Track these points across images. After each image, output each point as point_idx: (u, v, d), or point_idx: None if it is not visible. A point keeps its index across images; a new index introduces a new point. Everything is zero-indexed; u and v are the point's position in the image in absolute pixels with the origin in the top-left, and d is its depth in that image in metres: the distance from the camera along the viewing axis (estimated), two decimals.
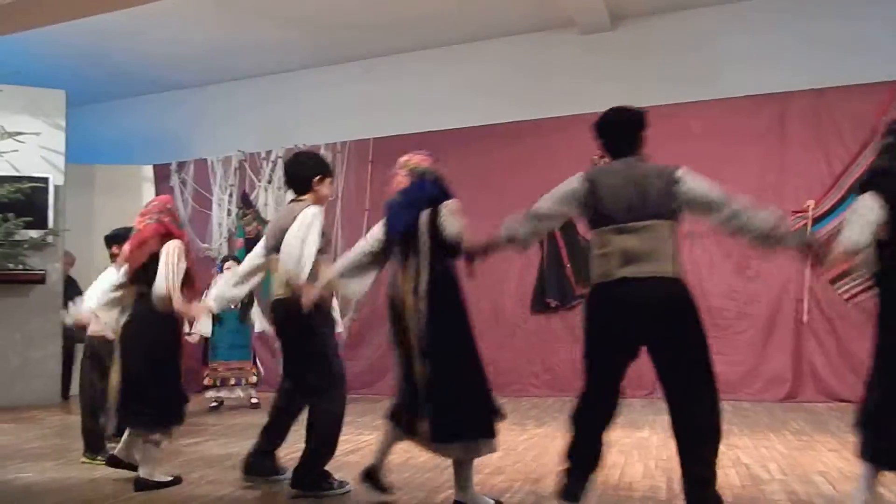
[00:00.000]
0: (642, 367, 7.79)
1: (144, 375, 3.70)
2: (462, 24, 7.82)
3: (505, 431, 5.18)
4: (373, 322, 8.01)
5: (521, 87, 7.91)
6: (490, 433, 3.12)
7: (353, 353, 8.08)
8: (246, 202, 8.78)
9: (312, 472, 3.47)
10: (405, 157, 3.51)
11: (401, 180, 3.42)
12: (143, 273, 3.74)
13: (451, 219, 3.18)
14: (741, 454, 4.30)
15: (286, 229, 3.44)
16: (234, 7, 7.23)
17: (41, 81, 7.72)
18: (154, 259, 3.71)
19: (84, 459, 4.39)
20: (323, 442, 3.48)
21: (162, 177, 9.17)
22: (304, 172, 3.68)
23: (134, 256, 3.79)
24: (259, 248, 3.79)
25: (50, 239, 7.50)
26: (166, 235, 3.79)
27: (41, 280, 7.43)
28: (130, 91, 9.41)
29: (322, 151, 8.47)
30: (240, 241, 8.66)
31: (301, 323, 3.43)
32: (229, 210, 8.82)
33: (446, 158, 7.94)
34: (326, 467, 3.52)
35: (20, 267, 7.22)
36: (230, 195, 8.85)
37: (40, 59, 7.72)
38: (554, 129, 7.50)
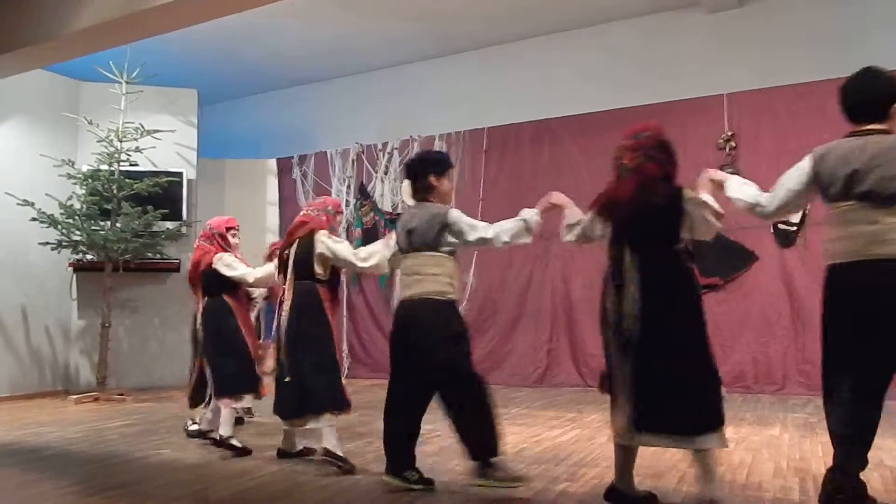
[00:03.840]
0: (773, 361, 7.44)
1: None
2: (580, 8, 7.64)
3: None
4: (486, 309, 8.03)
5: (645, 70, 7.62)
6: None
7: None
8: (363, 193, 9.00)
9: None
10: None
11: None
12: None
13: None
14: (884, 455, 3.97)
15: (425, 230, 3.43)
16: (354, 4, 7.40)
17: (176, 81, 8.23)
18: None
19: None
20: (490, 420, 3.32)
21: (284, 169, 9.54)
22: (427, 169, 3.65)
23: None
24: (390, 242, 3.76)
25: (184, 230, 7.98)
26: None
27: (177, 268, 7.88)
28: (256, 88, 9.85)
29: (437, 142, 8.56)
30: (357, 231, 8.90)
31: (452, 322, 3.38)
32: (347, 201, 9.06)
33: (566, 147, 7.96)
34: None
35: (158, 256, 7.72)
36: (348, 186, 9.09)
37: (175, 61, 8.20)
38: (680, 113, 7.20)
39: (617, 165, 3.06)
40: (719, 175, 3.26)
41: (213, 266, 4.54)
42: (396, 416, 3.46)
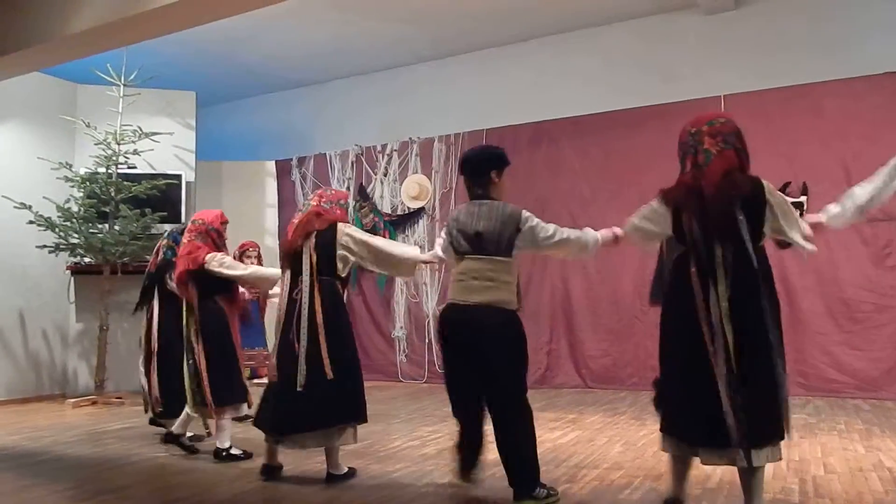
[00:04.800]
0: None
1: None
2: (577, 10, 7.63)
3: (624, 426, 5.07)
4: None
5: (642, 72, 7.62)
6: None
7: None
8: (363, 195, 8.99)
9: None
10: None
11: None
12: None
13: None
14: (883, 457, 3.97)
15: (498, 230, 3.21)
16: (352, 5, 7.38)
17: (173, 84, 8.21)
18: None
19: None
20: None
21: (283, 172, 9.52)
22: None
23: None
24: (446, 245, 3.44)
25: None
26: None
27: None
28: (254, 90, 9.84)
29: (436, 144, 8.57)
30: None
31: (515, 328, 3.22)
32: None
33: (563, 149, 7.96)
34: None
35: None
36: (347, 188, 9.07)
37: (173, 63, 8.18)
38: (677, 114, 7.16)
39: (692, 152, 2.80)
40: (812, 219, 2.94)
41: (207, 266, 4.21)
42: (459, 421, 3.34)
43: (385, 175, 8.94)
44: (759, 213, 2.69)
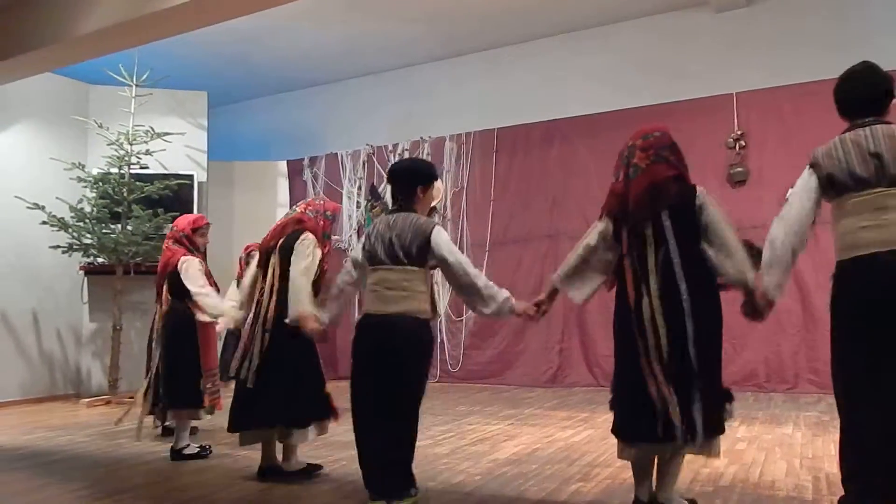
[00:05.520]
0: (784, 359, 7.43)
1: None
2: (588, 9, 7.61)
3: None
4: None
5: (654, 70, 7.59)
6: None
7: (480, 343, 8.13)
8: (374, 194, 8.98)
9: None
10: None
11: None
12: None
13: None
14: None
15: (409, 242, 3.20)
16: (364, 6, 7.38)
17: (185, 84, 8.25)
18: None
19: None
20: None
21: (295, 172, 9.53)
22: None
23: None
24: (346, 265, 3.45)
25: None
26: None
27: None
28: (266, 90, 9.87)
29: (447, 143, 8.55)
30: None
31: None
32: (358, 202, 9.05)
33: (575, 147, 7.93)
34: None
35: None
36: (359, 188, 9.08)
37: (184, 64, 8.22)
38: (689, 112, 7.15)
39: (625, 165, 2.96)
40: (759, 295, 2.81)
41: (177, 269, 4.37)
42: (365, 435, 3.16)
43: None
44: (690, 218, 2.81)
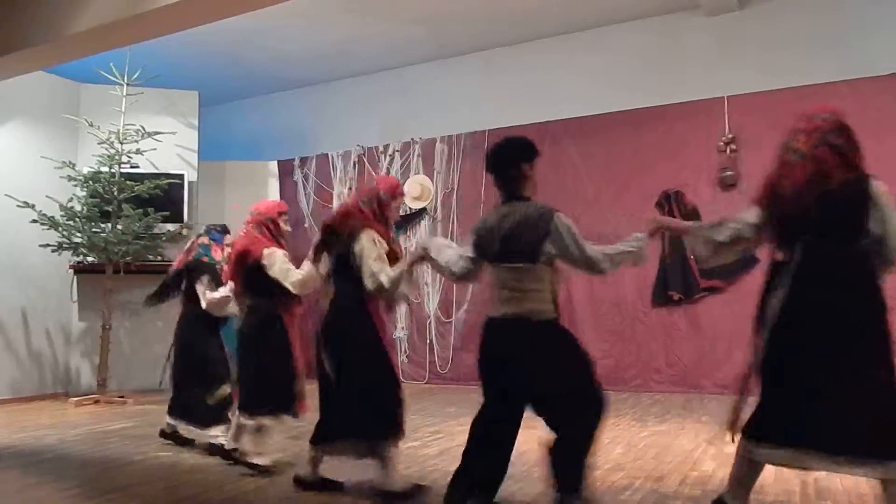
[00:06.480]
0: None
1: None
2: (580, 11, 7.63)
3: (625, 427, 5.07)
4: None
5: (645, 73, 7.61)
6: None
7: (470, 344, 8.15)
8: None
9: None
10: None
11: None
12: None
13: None
14: None
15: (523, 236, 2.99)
16: (356, 6, 7.39)
17: (176, 83, 8.23)
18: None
19: None
20: None
21: (286, 172, 9.52)
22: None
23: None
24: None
25: (185, 232, 7.96)
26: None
27: None
28: (257, 90, 9.85)
29: (438, 144, 8.57)
30: None
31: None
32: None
33: (567, 149, 7.96)
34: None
35: (159, 258, 7.71)
36: (349, 188, 9.08)
37: (176, 63, 8.19)
38: (681, 115, 7.21)
39: (786, 150, 2.74)
40: None
41: (262, 262, 3.89)
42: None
43: (387, 175, 8.94)
44: (856, 211, 2.55)
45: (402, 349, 8.48)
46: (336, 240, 3.50)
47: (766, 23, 7.17)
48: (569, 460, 2.83)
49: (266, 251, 3.89)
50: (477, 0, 7.34)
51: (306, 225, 9.13)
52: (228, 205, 8.84)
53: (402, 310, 8.52)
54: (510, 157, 3.05)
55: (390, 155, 8.91)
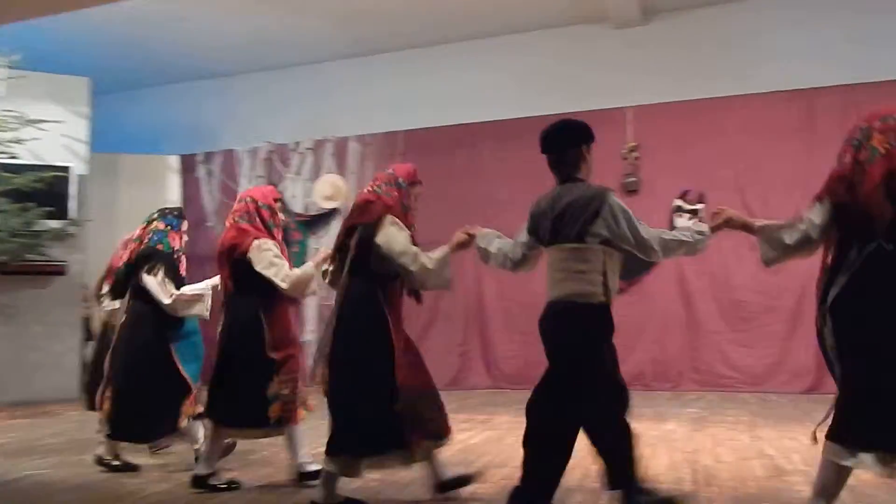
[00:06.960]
0: (669, 360, 7.86)
1: None
2: (495, 16, 7.72)
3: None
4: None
5: (556, 80, 7.79)
6: None
7: None
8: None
9: None
10: None
11: None
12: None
13: None
14: (765, 446, 4.34)
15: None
16: None
17: (68, 68, 7.67)
18: None
19: None
20: None
21: (188, 167, 9.12)
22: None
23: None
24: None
25: (71, 229, 7.44)
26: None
27: (61, 271, 7.39)
28: (159, 79, 9.36)
29: (350, 143, 8.39)
30: None
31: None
32: None
33: (480, 151, 7.95)
34: None
35: (41, 258, 7.16)
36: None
37: (68, 46, 7.66)
38: (588, 122, 7.31)
39: (857, 147, 2.64)
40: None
41: (248, 255, 3.49)
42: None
43: (298, 174, 8.68)
44: None
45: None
46: (362, 231, 3.23)
47: (669, 37, 7.55)
48: (616, 457, 2.82)
49: (256, 242, 3.48)
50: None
51: (209, 224, 8.74)
52: (122, 201, 8.32)
53: (312, 311, 8.24)
54: (571, 139, 3.08)
55: (301, 153, 8.65)
